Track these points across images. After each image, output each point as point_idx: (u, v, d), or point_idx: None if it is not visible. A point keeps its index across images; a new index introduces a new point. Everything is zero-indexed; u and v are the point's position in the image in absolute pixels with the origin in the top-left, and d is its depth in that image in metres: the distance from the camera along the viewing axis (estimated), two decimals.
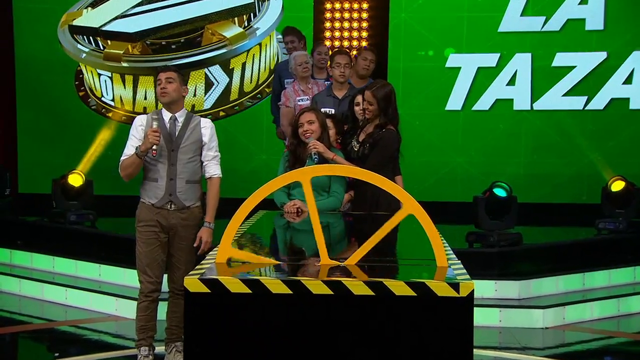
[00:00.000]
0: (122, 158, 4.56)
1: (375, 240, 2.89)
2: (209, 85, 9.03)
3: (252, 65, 9.03)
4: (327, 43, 8.75)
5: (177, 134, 4.57)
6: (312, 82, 6.57)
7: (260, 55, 9.02)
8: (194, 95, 9.03)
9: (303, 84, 6.57)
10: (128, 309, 5.89)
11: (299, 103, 6.39)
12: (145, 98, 9.06)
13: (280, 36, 8.94)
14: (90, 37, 9.12)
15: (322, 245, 2.89)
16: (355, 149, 5.11)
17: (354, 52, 8.49)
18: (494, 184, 6.88)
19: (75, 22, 9.17)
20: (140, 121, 4.58)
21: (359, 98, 5.32)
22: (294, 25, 8.11)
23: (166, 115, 4.59)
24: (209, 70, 9.00)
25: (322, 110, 5.54)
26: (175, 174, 4.56)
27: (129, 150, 4.54)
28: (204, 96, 9.04)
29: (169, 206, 4.56)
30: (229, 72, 9.02)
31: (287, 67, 7.57)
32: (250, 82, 9.03)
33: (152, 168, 4.55)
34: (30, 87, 9.25)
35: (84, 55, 9.13)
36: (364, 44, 8.78)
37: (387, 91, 5.08)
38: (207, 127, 4.68)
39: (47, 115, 9.26)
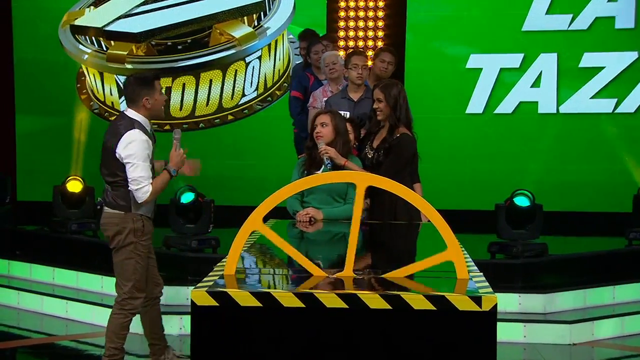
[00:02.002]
0: (150, 182, 4.56)
1: (410, 270, 2.89)
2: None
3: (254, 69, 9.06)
4: (341, 43, 8.77)
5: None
6: (343, 83, 6.58)
7: (234, 76, 9.01)
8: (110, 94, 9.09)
9: (333, 85, 6.60)
10: (133, 324, 5.89)
11: (325, 105, 6.42)
12: (111, 94, 9.09)
13: (291, 35, 8.96)
14: (93, 38, 9.18)
15: (352, 256, 2.89)
16: (370, 156, 5.11)
17: (370, 53, 8.50)
18: (515, 192, 6.86)
19: (77, 22, 9.23)
20: (146, 138, 4.60)
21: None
22: (307, 25, 8.13)
23: (148, 125, 4.68)
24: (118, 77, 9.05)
25: None
26: None
27: (149, 172, 4.57)
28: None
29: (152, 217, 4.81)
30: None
31: (302, 69, 7.61)
32: (207, 105, 9.00)
33: None
34: (29, 89, 9.32)
35: (86, 56, 9.18)
36: (379, 44, 8.78)
37: (395, 88, 5.08)
38: None
39: (47, 119, 9.32)
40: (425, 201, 2.89)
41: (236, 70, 8.97)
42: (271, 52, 9.03)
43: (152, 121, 4.86)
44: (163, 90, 4.74)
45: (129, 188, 4.57)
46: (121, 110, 9.01)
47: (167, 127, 8.91)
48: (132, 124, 4.57)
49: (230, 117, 9.10)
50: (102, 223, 4.75)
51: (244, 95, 9.01)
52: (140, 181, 4.52)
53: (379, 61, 6.66)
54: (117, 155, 4.55)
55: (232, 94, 9.01)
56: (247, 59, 8.94)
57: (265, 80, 9.00)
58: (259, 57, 8.96)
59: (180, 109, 9.05)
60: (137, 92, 4.62)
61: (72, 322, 6.56)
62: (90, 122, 9.21)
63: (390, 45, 8.16)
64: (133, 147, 4.51)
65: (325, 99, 6.50)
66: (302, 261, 2.93)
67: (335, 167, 4.86)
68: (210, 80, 8.98)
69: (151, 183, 4.56)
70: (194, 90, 8.99)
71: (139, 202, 4.57)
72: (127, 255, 4.66)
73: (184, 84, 8.98)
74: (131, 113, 4.63)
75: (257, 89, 9.00)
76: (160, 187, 4.62)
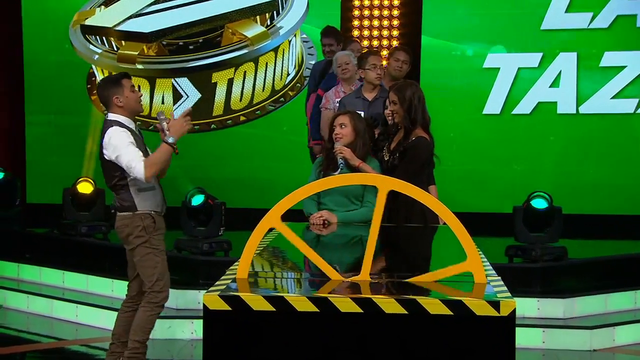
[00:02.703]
0: (141, 159, 4.55)
1: (427, 278, 2.88)
2: (177, 96, 9.08)
3: (267, 68, 9.06)
4: None
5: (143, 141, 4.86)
6: (357, 84, 6.58)
7: (283, 55, 9.04)
8: (162, 102, 9.07)
9: (346, 85, 6.61)
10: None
11: (337, 106, 6.43)
12: (163, 102, 9.12)
13: (305, 35, 8.96)
14: (104, 38, 9.22)
15: (369, 260, 2.88)
16: (386, 159, 5.10)
17: (384, 52, 8.49)
18: (532, 194, 6.83)
19: (88, 22, 9.27)
20: (125, 130, 4.68)
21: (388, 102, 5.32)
22: (321, 25, 8.11)
23: (131, 124, 4.77)
24: (177, 82, 9.06)
25: None
26: (159, 180, 4.88)
27: (137, 153, 4.58)
28: (173, 106, 9.09)
29: (163, 212, 4.90)
30: (207, 87, 9.01)
31: (323, 68, 7.62)
32: (263, 90, 9.05)
33: None
34: (39, 90, 9.37)
35: (97, 56, 9.22)
36: (394, 43, 8.78)
37: (409, 89, 5.04)
38: None
39: (57, 120, 9.37)
40: (441, 204, 2.88)
41: (284, 50, 9.02)
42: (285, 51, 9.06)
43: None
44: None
45: (131, 176, 4.65)
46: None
47: (229, 122, 9.04)
48: (111, 124, 4.70)
49: (242, 118, 9.11)
50: (115, 227, 4.88)
51: (288, 74, 9.04)
52: (132, 164, 4.56)
53: (394, 60, 6.66)
54: (106, 157, 4.68)
55: (280, 75, 9.05)
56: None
57: (298, 62, 9.04)
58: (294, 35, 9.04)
59: (240, 99, 9.09)
60: (106, 94, 4.76)
61: (82, 326, 6.59)
62: (102, 123, 9.24)
63: (405, 44, 8.15)
64: (113, 141, 4.62)
65: (338, 99, 6.51)
66: (319, 264, 2.92)
67: (349, 168, 4.86)
68: (266, 64, 9.03)
69: (143, 160, 4.58)
70: (252, 77, 9.02)
71: (145, 181, 4.58)
72: (143, 252, 4.77)
73: (244, 72, 9.03)
74: (110, 116, 4.76)
75: (295, 66, 9.05)
76: (158, 158, 4.57)
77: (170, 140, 4.57)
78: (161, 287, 4.80)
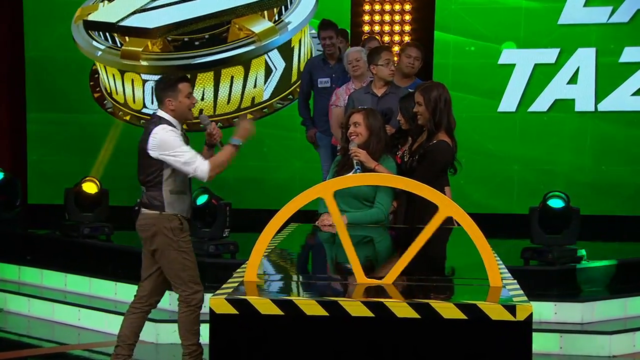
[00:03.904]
0: (201, 158, 4.69)
1: (412, 253, 2.87)
2: (268, 72, 9.10)
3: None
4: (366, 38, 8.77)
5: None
6: (367, 80, 6.58)
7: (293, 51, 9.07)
8: (254, 86, 9.09)
9: (357, 82, 6.63)
10: (146, 332, 5.92)
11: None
12: (255, 85, 9.13)
13: (314, 31, 8.97)
14: (107, 34, 9.24)
15: (356, 263, 2.88)
16: (405, 160, 5.10)
17: (396, 48, 8.48)
18: (549, 194, 6.81)
19: (91, 17, 9.30)
20: (174, 130, 4.76)
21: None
22: (330, 19, 8.13)
23: (178, 125, 4.85)
24: (268, 56, 9.09)
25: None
26: (191, 186, 4.97)
27: (193, 151, 4.71)
28: (264, 86, 9.11)
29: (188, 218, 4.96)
30: (289, 54, 9.09)
31: (319, 64, 7.63)
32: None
33: (179, 181, 4.82)
34: (41, 87, 9.40)
35: (100, 53, 9.25)
36: (406, 39, 8.77)
37: (435, 90, 5.01)
38: None
39: (59, 118, 9.39)
40: (456, 205, 2.88)
41: (294, 46, 9.08)
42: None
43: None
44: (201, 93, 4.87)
45: (189, 176, 4.79)
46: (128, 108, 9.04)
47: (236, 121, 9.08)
48: (160, 121, 4.78)
49: (249, 117, 9.11)
50: (138, 225, 4.91)
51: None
52: (191, 162, 4.69)
53: (405, 57, 6.65)
54: (149, 154, 4.73)
55: (290, 71, 9.11)
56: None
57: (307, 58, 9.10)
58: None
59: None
60: (162, 94, 4.85)
61: (85, 330, 6.60)
62: (107, 122, 9.30)
63: (417, 40, 8.14)
64: (164, 139, 4.70)
65: (348, 95, 6.52)
66: (354, 264, 2.92)
67: (365, 170, 4.85)
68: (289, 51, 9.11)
69: (209, 160, 4.73)
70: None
71: (204, 181, 4.75)
72: (172, 255, 4.82)
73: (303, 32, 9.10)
74: (160, 113, 4.85)
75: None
76: (222, 161, 4.75)
77: (237, 142, 4.77)
78: (194, 289, 4.86)
